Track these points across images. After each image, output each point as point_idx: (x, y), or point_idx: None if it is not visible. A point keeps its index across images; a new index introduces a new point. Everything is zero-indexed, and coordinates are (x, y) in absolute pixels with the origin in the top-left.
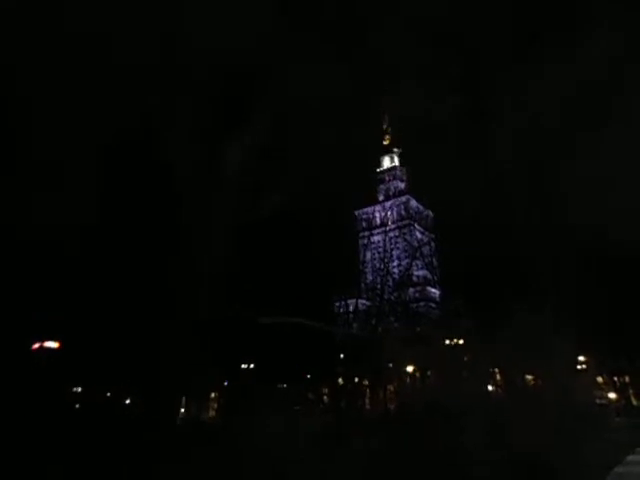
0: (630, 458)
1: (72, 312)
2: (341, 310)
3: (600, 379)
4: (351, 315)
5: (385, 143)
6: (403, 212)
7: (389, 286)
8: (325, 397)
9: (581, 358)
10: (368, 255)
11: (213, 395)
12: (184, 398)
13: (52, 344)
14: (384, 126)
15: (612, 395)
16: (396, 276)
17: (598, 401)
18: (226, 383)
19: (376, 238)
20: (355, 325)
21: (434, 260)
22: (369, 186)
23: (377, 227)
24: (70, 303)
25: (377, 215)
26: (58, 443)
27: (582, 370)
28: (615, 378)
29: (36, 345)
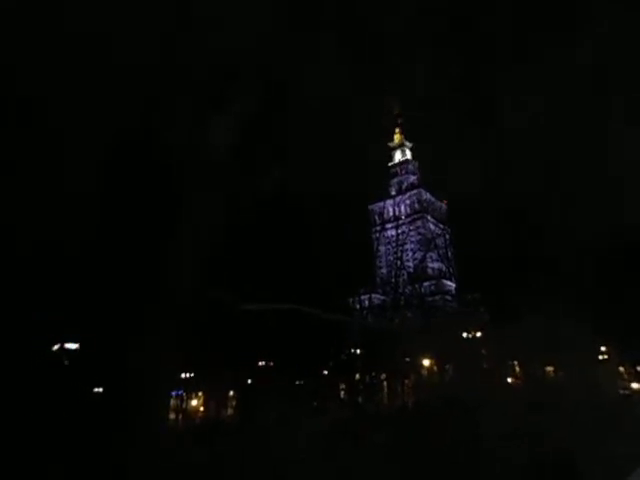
0: None
1: (88, 312)
2: (357, 306)
3: (622, 369)
4: (365, 311)
5: (396, 138)
6: (416, 205)
7: (404, 280)
8: (342, 392)
9: (602, 348)
10: (382, 249)
11: (232, 393)
12: (204, 397)
13: (72, 345)
14: (394, 110)
15: (635, 385)
16: (411, 270)
17: (621, 391)
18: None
19: (390, 232)
20: (370, 319)
21: (449, 252)
22: (382, 180)
23: (390, 221)
24: (83, 303)
25: (390, 209)
26: (76, 441)
27: (604, 360)
28: (638, 368)
29: (56, 346)
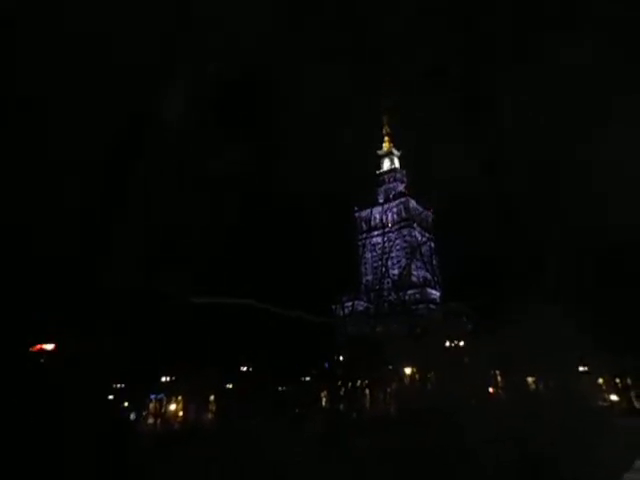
0: (639, 463)
1: (65, 312)
2: (340, 313)
3: (601, 381)
4: (347, 318)
5: (385, 147)
6: (403, 213)
7: (388, 287)
8: (324, 399)
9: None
10: (368, 256)
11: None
12: (184, 401)
13: (49, 346)
14: (383, 130)
15: (614, 397)
16: (395, 277)
17: (601, 403)
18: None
19: (377, 239)
20: (353, 326)
21: (434, 260)
22: (369, 188)
23: (377, 228)
24: (63, 303)
25: (377, 216)
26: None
27: (584, 372)
28: (617, 380)
29: (36, 347)
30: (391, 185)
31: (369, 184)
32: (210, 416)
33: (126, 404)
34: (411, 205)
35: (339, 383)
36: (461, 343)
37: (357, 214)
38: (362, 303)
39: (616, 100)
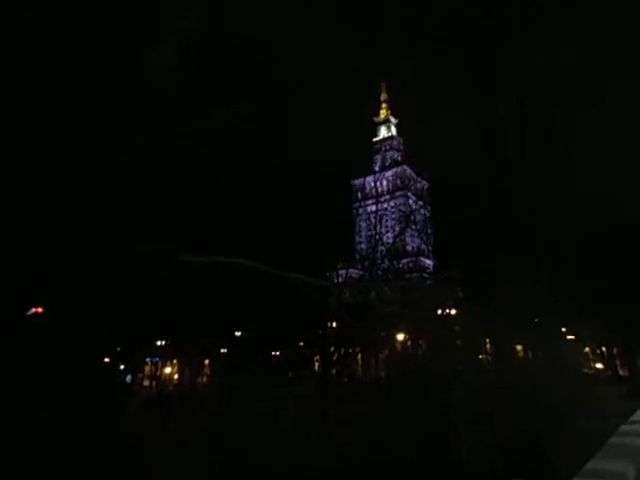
0: (624, 428)
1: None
2: (335, 280)
3: (587, 349)
4: (342, 285)
5: (382, 114)
6: (398, 182)
7: (382, 255)
8: (317, 364)
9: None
10: (363, 224)
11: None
12: (179, 365)
13: (39, 309)
14: (381, 96)
15: (599, 365)
16: (390, 246)
17: (586, 370)
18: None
19: (371, 208)
20: (347, 293)
21: (428, 228)
22: (365, 156)
23: (372, 197)
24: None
25: (372, 184)
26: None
27: (572, 340)
28: (603, 348)
29: (32, 310)
30: (387, 153)
31: (365, 152)
32: (204, 379)
33: (122, 366)
34: (407, 174)
35: (332, 349)
36: (452, 311)
37: (352, 182)
38: (356, 271)
39: (615, 100)
